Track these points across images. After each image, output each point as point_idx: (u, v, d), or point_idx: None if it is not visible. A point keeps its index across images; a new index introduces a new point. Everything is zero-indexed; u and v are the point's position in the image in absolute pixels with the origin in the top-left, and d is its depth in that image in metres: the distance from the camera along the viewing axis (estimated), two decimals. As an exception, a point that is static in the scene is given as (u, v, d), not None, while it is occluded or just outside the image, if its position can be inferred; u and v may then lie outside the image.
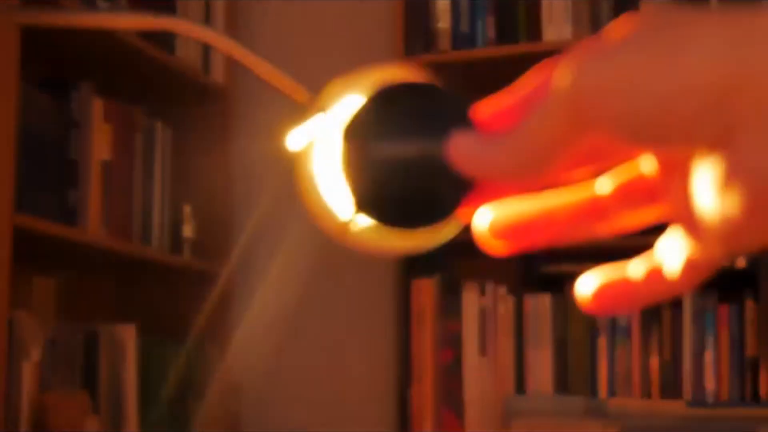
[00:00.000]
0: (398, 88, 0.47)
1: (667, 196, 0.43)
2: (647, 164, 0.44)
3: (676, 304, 2.24)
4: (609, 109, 0.38)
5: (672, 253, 0.44)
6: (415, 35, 2.42)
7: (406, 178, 0.46)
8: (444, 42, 2.39)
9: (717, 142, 0.37)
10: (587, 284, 0.46)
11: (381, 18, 2.63)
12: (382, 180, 0.46)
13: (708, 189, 0.37)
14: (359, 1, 2.69)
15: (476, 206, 0.46)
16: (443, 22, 2.40)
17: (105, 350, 2.27)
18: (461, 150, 0.44)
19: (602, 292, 0.46)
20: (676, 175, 0.42)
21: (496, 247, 0.46)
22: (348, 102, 0.48)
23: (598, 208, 0.46)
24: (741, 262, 2.18)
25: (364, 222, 0.48)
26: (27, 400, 2.00)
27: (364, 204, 0.47)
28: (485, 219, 0.46)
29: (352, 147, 0.47)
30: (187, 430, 2.46)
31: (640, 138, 0.38)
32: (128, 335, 2.31)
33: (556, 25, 2.35)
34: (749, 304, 2.20)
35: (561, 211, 0.46)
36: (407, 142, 0.46)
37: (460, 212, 0.46)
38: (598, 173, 0.45)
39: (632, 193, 0.45)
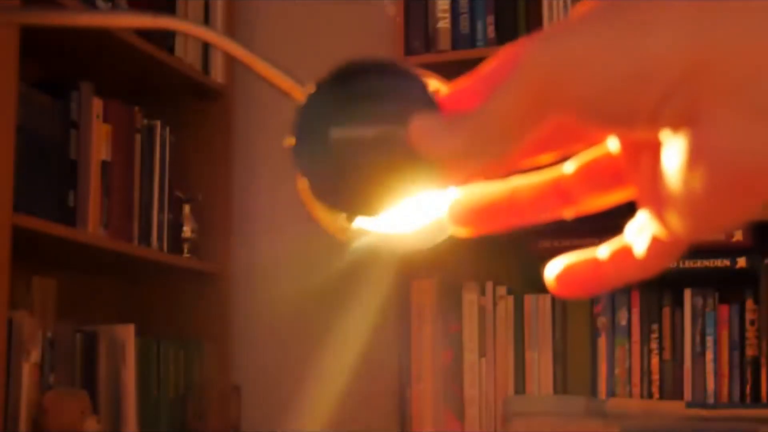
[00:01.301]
0: (355, 68, 0.44)
1: (633, 176, 0.42)
2: (612, 144, 0.43)
3: (676, 304, 2.24)
4: (571, 88, 0.37)
5: (640, 234, 0.43)
6: (415, 35, 2.42)
7: (363, 163, 0.43)
8: (444, 42, 2.39)
9: (682, 121, 0.36)
10: (553, 267, 0.45)
11: (381, 18, 2.63)
12: (338, 166, 0.43)
13: (673, 169, 0.37)
14: (359, 1, 2.69)
15: (442, 190, 0.44)
16: (443, 22, 2.40)
17: (105, 350, 2.27)
18: (423, 132, 0.42)
19: (566, 274, 0.45)
20: (641, 154, 0.41)
21: (461, 232, 0.45)
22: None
23: (561, 189, 0.45)
24: (741, 262, 2.18)
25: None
26: (26, 400, 2.00)
27: (320, 193, 0.44)
28: (447, 203, 0.45)
29: (304, 132, 0.44)
30: (187, 430, 2.46)
31: (603, 118, 0.38)
32: (128, 335, 2.31)
33: (556, 21, 2.35)
34: (749, 304, 2.20)
35: (524, 193, 0.45)
36: (364, 124, 0.43)
37: (425, 197, 0.45)
38: (565, 158, 0.44)
39: (596, 174, 0.44)
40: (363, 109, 0.44)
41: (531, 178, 0.45)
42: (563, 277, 0.45)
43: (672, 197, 0.37)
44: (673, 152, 0.37)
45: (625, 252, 0.44)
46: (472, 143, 0.40)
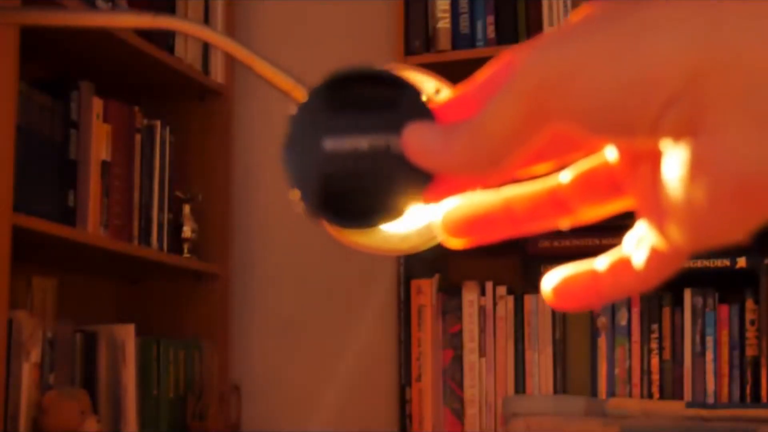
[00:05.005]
0: (348, 76, 0.44)
1: (632, 186, 0.41)
2: (610, 153, 0.42)
3: (676, 304, 2.24)
4: (568, 97, 0.36)
5: (639, 246, 0.42)
6: (415, 35, 2.42)
7: (357, 173, 0.42)
8: (444, 42, 2.39)
9: (684, 130, 0.35)
10: (551, 280, 0.44)
11: (381, 18, 2.63)
12: (330, 178, 0.43)
13: (674, 179, 0.36)
14: (359, 1, 2.69)
15: (436, 201, 0.43)
16: (443, 22, 2.40)
17: (104, 350, 2.27)
18: (418, 142, 0.41)
19: (564, 287, 0.44)
20: (640, 164, 0.40)
21: (455, 243, 0.44)
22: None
23: (558, 199, 0.44)
24: (741, 262, 2.18)
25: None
26: (26, 400, 2.00)
27: (311, 204, 0.43)
28: (441, 214, 0.44)
29: (296, 142, 0.43)
30: (187, 430, 2.46)
31: (602, 128, 0.37)
32: (128, 335, 2.31)
33: (556, 26, 2.35)
34: (749, 304, 2.20)
35: (519, 203, 0.44)
36: (358, 134, 0.43)
37: (420, 207, 0.44)
38: (561, 167, 0.43)
39: (594, 183, 0.43)
40: (356, 118, 0.43)
41: (526, 188, 0.44)
42: (561, 289, 0.44)
43: (673, 208, 0.36)
44: (674, 162, 0.36)
45: (624, 264, 0.43)
46: (468, 153, 0.39)
